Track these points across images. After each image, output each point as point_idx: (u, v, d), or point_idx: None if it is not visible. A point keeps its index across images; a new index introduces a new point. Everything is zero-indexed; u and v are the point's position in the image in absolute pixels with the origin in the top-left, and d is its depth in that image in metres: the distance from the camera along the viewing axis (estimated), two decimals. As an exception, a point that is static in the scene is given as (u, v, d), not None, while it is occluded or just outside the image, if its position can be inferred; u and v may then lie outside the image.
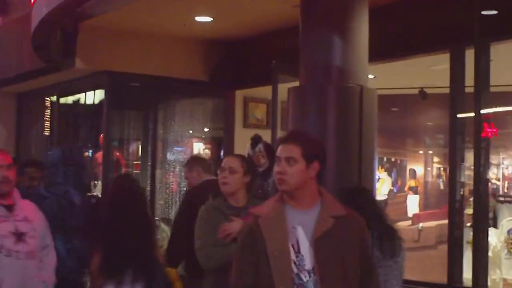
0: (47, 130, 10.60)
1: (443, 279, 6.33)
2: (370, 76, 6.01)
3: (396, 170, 15.87)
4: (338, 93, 4.42)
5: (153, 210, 8.37)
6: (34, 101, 10.86)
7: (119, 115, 9.13)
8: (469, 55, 6.16)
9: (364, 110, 4.37)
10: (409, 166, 15.68)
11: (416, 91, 9.33)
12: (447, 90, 6.43)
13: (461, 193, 6.40)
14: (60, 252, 4.38)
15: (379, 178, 12.78)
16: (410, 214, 13.66)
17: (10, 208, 3.93)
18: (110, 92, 8.59)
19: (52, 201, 4.50)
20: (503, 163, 13.20)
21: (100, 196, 7.49)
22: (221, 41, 8.72)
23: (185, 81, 8.77)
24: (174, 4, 7.12)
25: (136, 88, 9.00)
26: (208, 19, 7.68)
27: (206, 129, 9.90)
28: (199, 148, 9.99)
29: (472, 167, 6.10)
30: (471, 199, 6.30)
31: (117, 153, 9.43)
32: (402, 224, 13.07)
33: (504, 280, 7.12)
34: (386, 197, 13.13)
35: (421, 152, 15.72)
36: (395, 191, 15.00)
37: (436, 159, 15.60)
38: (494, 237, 7.03)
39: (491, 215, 7.09)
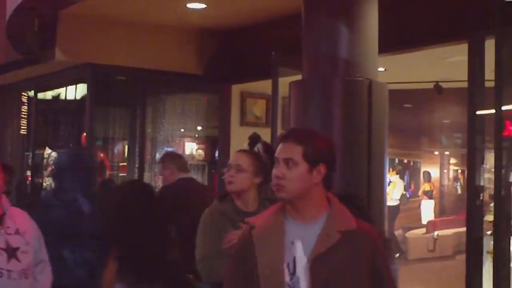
0: (24, 129, 10.61)
1: (460, 292, 6.34)
2: (380, 69, 6.00)
3: (409, 172, 15.89)
4: (344, 88, 4.42)
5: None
6: (9, 96, 10.86)
7: (103, 112, 9.13)
8: (489, 45, 6.15)
9: (373, 107, 4.37)
10: (423, 168, 15.70)
11: (430, 85, 9.34)
12: (465, 84, 6.42)
13: (481, 198, 6.39)
14: (68, 262, 4.37)
15: (390, 182, 12.78)
16: (424, 221, 13.67)
17: None
18: (93, 86, 8.57)
19: (60, 209, 4.51)
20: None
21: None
22: (215, 31, 8.72)
23: (176, 74, 8.77)
24: (164, -11, 7.14)
25: (122, 82, 9.00)
26: (201, 5, 7.67)
27: (199, 128, 9.90)
28: (191, 148, 9.99)
29: (493, 170, 6.09)
30: (492, 204, 6.30)
31: (101, 154, 9.43)
32: (416, 232, 13.11)
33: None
34: (398, 202, 13.14)
35: (436, 152, 15.74)
36: (408, 195, 15.01)
37: (453, 160, 15.62)
38: (517, 247, 7.03)
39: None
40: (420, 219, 13.91)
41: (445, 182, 15.60)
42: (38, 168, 10.30)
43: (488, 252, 6.32)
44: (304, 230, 2.58)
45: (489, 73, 6.19)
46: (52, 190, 4.74)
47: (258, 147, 5.60)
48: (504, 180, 6.17)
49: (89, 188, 4.69)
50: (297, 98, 4.59)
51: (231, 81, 8.96)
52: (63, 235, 4.32)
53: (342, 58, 4.44)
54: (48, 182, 10.11)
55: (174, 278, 3.30)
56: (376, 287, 2.58)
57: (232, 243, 3.42)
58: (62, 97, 9.85)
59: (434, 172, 15.48)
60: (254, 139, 5.72)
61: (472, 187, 6.36)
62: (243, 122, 9.09)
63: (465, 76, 6.38)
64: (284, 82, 5.50)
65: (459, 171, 15.26)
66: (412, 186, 15.65)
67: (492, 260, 6.14)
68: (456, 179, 15.57)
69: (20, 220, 3.78)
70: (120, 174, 9.26)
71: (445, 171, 15.79)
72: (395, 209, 12.68)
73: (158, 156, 9.28)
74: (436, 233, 12.50)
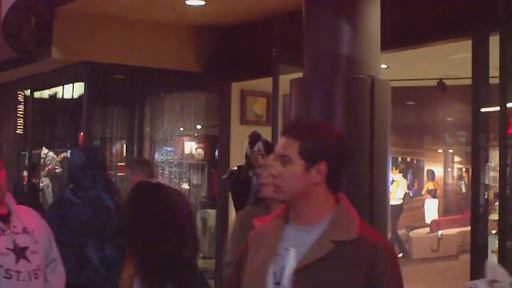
0: (20, 128, 10.60)
1: (465, 293, 6.33)
2: (383, 66, 6.01)
3: (412, 171, 15.88)
4: (346, 85, 4.42)
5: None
6: (5, 95, 10.86)
7: (101, 111, 9.12)
8: (494, 41, 6.15)
9: (375, 104, 4.37)
10: (426, 167, 15.68)
11: (434, 83, 9.35)
12: (469, 82, 6.43)
13: (485, 196, 6.39)
14: (91, 260, 4.43)
15: (393, 181, 12.79)
16: (428, 221, 13.68)
17: (5, 218, 3.58)
18: (91, 85, 8.57)
19: (83, 207, 4.55)
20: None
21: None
22: (215, 28, 8.72)
23: (175, 72, 8.76)
24: (162, -14, 7.14)
25: (120, 81, 9.00)
26: (200, 2, 7.67)
27: (198, 126, 9.90)
28: (191, 147, 10.01)
29: (498, 168, 6.10)
30: (497, 203, 6.30)
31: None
32: (420, 232, 13.12)
33: (534, 294, 7.13)
34: (401, 201, 13.15)
35: (440, 151, 15.72)
36: (411, 194, 15.02)
37: (457, 159, 15.60)
38: (523, 246, 7.04)
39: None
40: (423, 218, 13.91)
41: (449, 181, 15.59)
42: (34, 168, 10.31)
43: (493, 252, 6.32)
44: (304, 235, 2.35)
45: (494, 70, 6.20)
46: (69, 189, 4.76)
47: (259, 145, 5.62)
48: (509, 178, 6.17)
49: (109, 184, 4.74)
50: (298, 96, 4.60)
51: (231, 79, 8.96)
52: (86, 233, 4.40)
53: (344, 55, 4.44)
54: (45, 182, 10.12)
55: (192, 278, 3.32)
56: None
57: None
58: (59, 96, 9.85)
59: (438, 170, 15.47)
60: (255, 138, 5.76)
61: (477, 186, 6.36)
62: (243, 121, 9.09)
63: (469, 73, 6.38)
64: (285, 80, 5.49)
65: (463, 169, 15.25)
66: (416, 185, 15.65)
67: (497, 260, 6.15)
68: (460, 177, 15.56)
69: (28, 218, 3.71)
70: (118, 174, 9.26)
71: (449, 169, 15.77)
72: (398, 208, 12.69)
73: (157, 155, 9.29)
74: (440, 232, 12.51)
